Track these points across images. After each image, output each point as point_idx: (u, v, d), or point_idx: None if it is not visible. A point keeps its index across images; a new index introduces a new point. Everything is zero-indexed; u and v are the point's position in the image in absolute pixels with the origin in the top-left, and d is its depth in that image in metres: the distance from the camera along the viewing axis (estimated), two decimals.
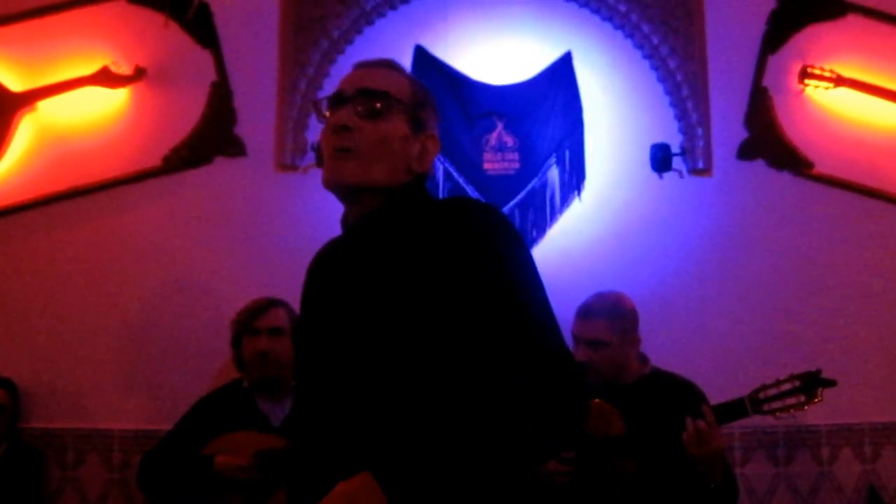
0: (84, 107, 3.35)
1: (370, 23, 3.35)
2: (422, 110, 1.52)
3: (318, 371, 1.44)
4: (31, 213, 3.32)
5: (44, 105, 3.35)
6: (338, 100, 1.49)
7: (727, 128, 3.29)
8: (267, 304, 2.77)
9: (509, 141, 3.28)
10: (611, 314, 2.70)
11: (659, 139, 3.27)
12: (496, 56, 3.33)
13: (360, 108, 1.46)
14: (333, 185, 1.46)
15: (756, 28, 3.33)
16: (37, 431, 3.19)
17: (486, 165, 3.27)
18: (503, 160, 3.27)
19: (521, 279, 1.39)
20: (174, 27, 3.36)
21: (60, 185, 3.32)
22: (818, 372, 2.56)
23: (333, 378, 1.40)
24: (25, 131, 3.35)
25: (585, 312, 2.71)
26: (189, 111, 3.31)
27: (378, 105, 1.46)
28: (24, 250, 3.32)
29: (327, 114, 1.49)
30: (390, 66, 1.55)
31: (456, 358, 1.31)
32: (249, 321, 2.75)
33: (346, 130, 1.44)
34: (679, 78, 3.26)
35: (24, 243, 3.32)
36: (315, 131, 3.29)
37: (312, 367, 1.46)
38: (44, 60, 3.36)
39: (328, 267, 1.53)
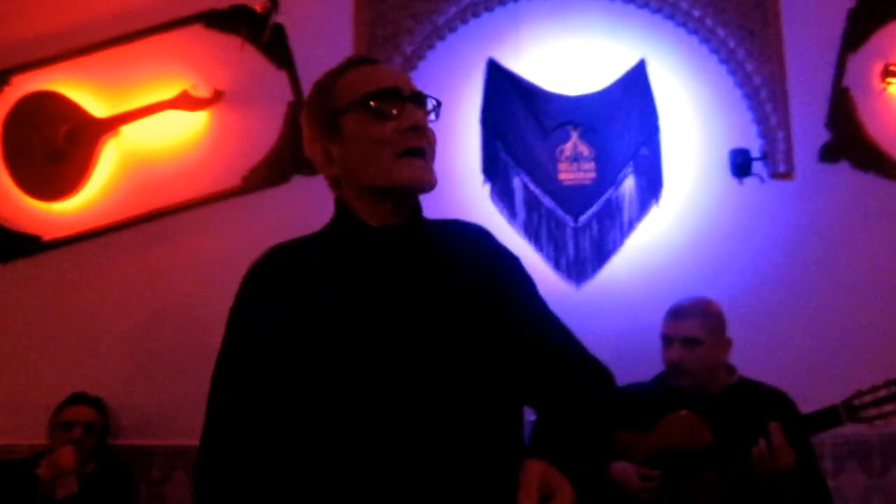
0: (165, 130, 3.42)
1: (442, 38, 3.37)
2: None
3: (415, 370, 1.35)
4: (117, 235, 3.41)
5: (127, 130, 3.43)
6: (398, 96, 1.44)
7: (808, 130, 3.23)
8: None
9: (585, 151, 3.26)
10: (704, 312, 2.70)
11: (738, 144, 3.23)
12: (569, 66, 3.32)
13: (427, 111, 1.47)
14: (420, 186, 1.43)
15: (835, 27, 3.27)
16: (124, 448, 3.25)
17: (562, 176, 3.26)
18: (579, 170, 3.26)
19: None
20: (250, 49, 3.42)
21: (144, 207, 3.40)
22: None
23: (443, 375, 1.35)
24: (110, 156, 3.44)
25: (678, 311, 2.69)
26: (267, 131, 3.36)
27: (435, 110, 1.49)
28: (111, 271, 3.40)
29: (396, 105, 1.43)
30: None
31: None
32: None
33: (424, 132, 1.44)
34: (757, 81, 3.21)
35: (111, 264, 3.40)
36: None
37: (399, 365, 1.35)
38: (125, 86, 3.44)
39: (391, 265, 1.44)
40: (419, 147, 1.42)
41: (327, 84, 1.50)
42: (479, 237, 1.55)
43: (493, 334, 1.40)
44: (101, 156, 3.42)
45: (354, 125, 1.43)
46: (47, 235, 3.42)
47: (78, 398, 3.09)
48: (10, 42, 3.52)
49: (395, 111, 1.42)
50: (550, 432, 1.34)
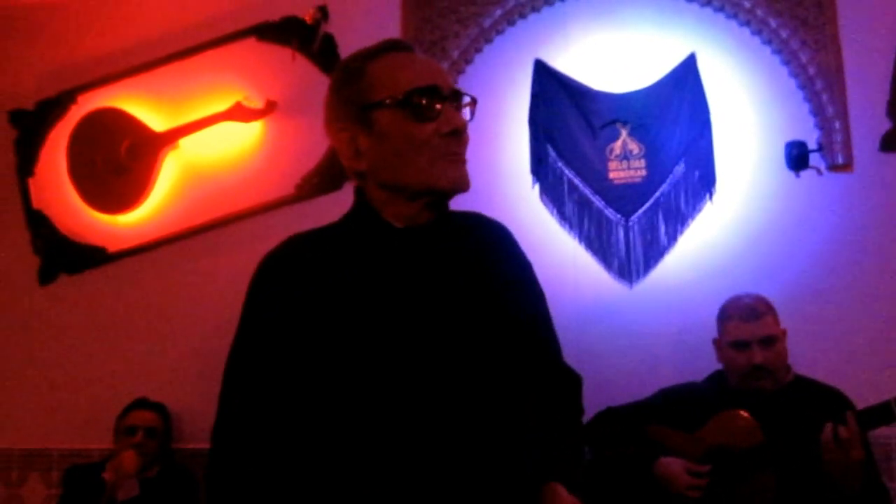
0: (221, 142, 3.52)
1: (489, 40, 3.37)
2: None
3: (442, 365, 1.36)
4: (178, 245, 3.53)
5: (185, 142, 3.54)
6: (438, 95, 1.39)
7: (867, 119, 3.10)
8: None
9: (635, 148, 3.22)
10: (771, 308, 2.67)
11: (794, 136, 3.12)
12: (618, 64, 3.28)
13: (466, 113, 1.44)
14: (458, 189, 1.42)
15: (894, 11, 3.14)
16: (188, 452, 3.33)
17: (612, 174, 3.22)
18: (629, 168, 3.21)
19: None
20: (301, 60, 3.48)
21: (203, 217, 3.50)
22: None
23: (465, 372, 1.36)
24: (170, 168, 3.56)
25: (752, 313, 2.63)
26: (319, 140, 3.30)
27: (470, 106, 1.46)
28: (173, 280, 3.52)
29: (437, 106, 1.39)
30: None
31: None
32: None
33: (464, 135, 1.41)
34: (812, 71, 3.11)
35: (173, 273, 3.52)
36: None
37: (430, 359, 1.36)
38: (183, 100, 3.57)
39: (412, 266, 1.42)
40: (458, 152, 1.40)
41: (358, 68, 1.42)
42: (500, 237, 1.54)
43: (506, 336, 1.41)
44: (162, 168, 3.54)
45: (391, 122, 1.38)
46: (112, 247, 3.57)
47: (140, 403, 3.19)
48: (76, 63, 3.69)
49: (434, 112, 1.38)
50: (556, 452, 1.42)
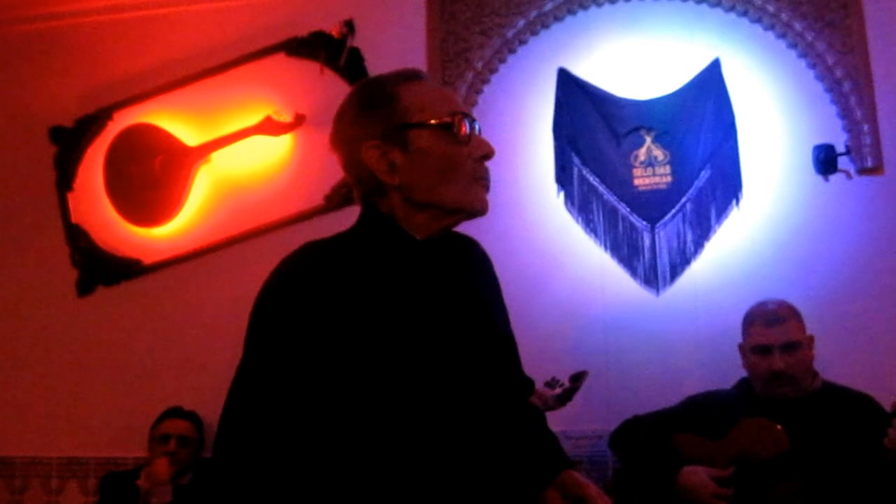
0: (252, 155, 3.59)
1: (513, 50, 3.39)
2: None
3: (468, 376, 1.41)
4: (211, 257, 3.59)
5: (217, 156, 3.61)
6: (471, 121, 1.47)
7: None
8: None
9: (659, 155, 3.21)
10: (795, 313, 2.64)
11: (822, 140, 3.09)
12: (642, 70, 3.28)
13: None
14: (483, 213, 1.48)
15: None
16: None
17: (637, 181, 3.21)
18: (654, 175, 3.20)
19: None
20: (329, 74, 3.54)
21: (236, 229, 3.56)
22: None
23: (487, 381, 1.44)
24: (202, 182, 3.63)
25: (774, 318, 2.61)
26: None
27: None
28: (207, 291, 3.57)
29: (468, 130, 1.45)
30: None
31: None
32: None
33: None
34: (839, 74, 3.08)
35: (206, 284, 3.58)
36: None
37: (457, 373, 1.40)
38: (214, 115, 3.64)
39: (436, 277, 1.46)
40: (487, 178, 1.48)
41: (389, 91, 1.46)
42: (482, 253, 1.63)
43: (502, 346, 1.53)
44: (194, 182, 3.61)
45: (431, 142, 1.43)
46: (147, 259, 3.64)
47: (173, 412, 3.25)
48: (113, 81, 3.79)
49: (468, 136, 1.44)
50: (555, 445, 1.58)
